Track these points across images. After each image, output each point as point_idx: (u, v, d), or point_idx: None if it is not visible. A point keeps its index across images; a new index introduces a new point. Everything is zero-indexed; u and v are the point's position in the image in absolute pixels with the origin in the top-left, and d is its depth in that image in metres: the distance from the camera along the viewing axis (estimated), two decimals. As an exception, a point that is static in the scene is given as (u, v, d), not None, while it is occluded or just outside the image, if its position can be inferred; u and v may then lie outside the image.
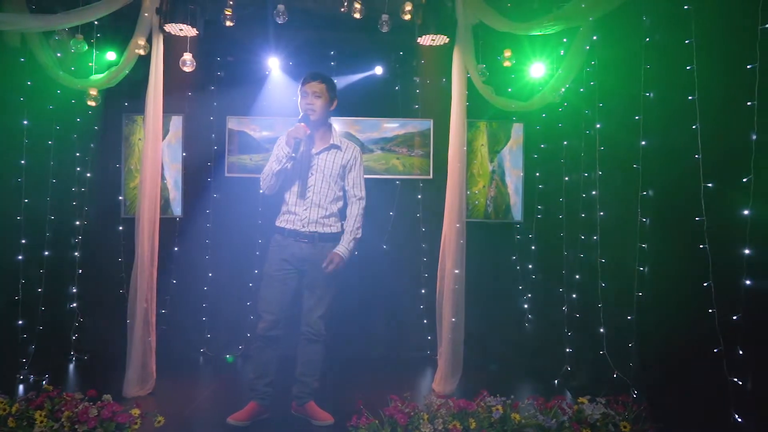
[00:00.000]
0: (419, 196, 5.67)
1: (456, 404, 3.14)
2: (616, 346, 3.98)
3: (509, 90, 5.27)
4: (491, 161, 5.69)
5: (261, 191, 3.79)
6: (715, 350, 2.85)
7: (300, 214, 3.69)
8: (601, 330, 4.03)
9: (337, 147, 3.78)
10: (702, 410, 3.03)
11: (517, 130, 5.69)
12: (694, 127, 3.04)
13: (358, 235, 3.78)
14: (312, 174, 3.72)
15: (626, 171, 3.84)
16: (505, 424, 3.04)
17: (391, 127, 5.64)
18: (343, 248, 3.72)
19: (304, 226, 3.68)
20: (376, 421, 3.09)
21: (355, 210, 3.80)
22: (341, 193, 3.82)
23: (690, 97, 3.05)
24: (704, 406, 3.00)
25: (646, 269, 3.62)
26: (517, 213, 5.69)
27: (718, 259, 2.92)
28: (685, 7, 3.11)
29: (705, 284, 2.94)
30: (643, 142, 3.63)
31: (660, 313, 3.47)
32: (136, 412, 3.08)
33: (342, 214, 3.82)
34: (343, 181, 3.81)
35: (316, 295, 3.74)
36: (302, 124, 3.60)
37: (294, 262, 3.69)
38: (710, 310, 2.91)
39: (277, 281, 3.68)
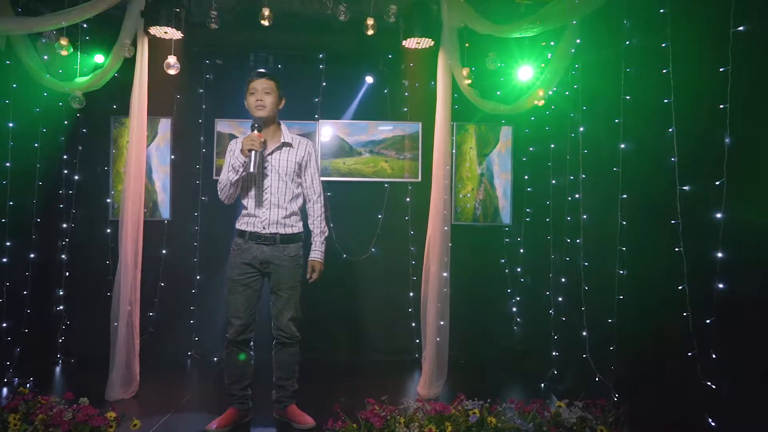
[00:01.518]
0: (408, 199, 5.67)
1: (433, 407, 3.13)
2: (598, 350, 3.97)
3: (498, 93, 5.26)
4: (480, 164, 5.69)
5: (221, 199, 3.76)
6: (689, 353, 2.84)
7: (260, 215, 3.66)
8: (584, 333, 4.01)
9: (289, 144, 3.74)
10: (678, 414, 3.02)
11: (505, 133, 5.69)
12: (670, 130, 3.03)
13: (326, 233, 3.82)
14: (267, 174, 3.67)
15: (608, 174, 3.83)
16: (481, 428, 3.04)
17: (380, 130, 5.64)
18: (318, 254, 3.76)
19: (265, 228, 3.64)
20: (354, 425, 3.08)
21: (317, 210, 3.81)
22: (299, 191, 3.78)
23: (666, 100, 3.04)
24: (679, 410, 2.99)
25: (625, 272, 3.61)
26: (505, 216, 5.69)
27: (693, 262, 2.91)
28: (662, 10, 3.10)
29: (680, 287, 2.92)
30: (623, 145, 3.62)
31: (639, 316, 3.46)
32: (111, 415, 3.07)
33: (302, 213, 3.81)
34: (300, 178, 3.79)
35: (282, 298, 3.69)
36: (257, 133, 3.54)
37: (257, 265, 3.66)
38: (685, 314, 2.90)
39: (241, 286, 3.66)
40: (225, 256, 5.41)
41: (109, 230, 5.41)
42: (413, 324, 5.57)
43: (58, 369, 5.12)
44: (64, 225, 5.28)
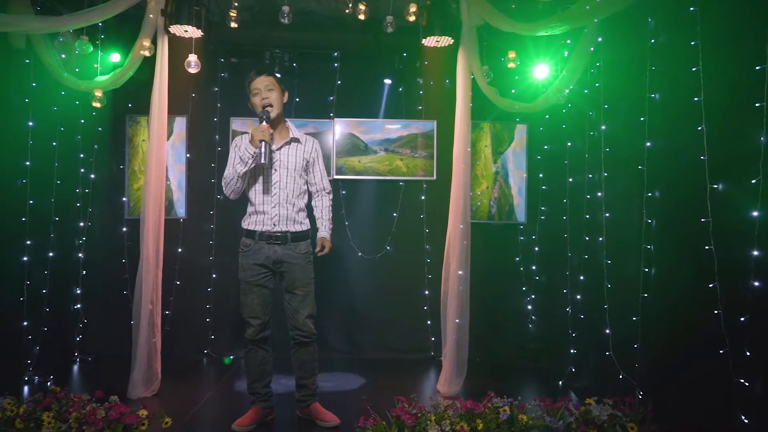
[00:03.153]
0: (423, 198, 5.68)
1: (463, 405, 3.14)
2: (621, 348, 3.97)
3: (512, 91, 5.28)
4: (495, 162, 5.70)
5: (226, 196, 3.74)
6: (721, 351, 2.85)
7: (269, 212, 3.63)
8: (607, 331, 4.02)
9: (297, 140, 3.75)
10: (707, 412, 3.02)
11: (520, 132, 5.70)
12: (699, 128, 3.04)
13: (332, 225, 3.89)
14: (275, 170, 3.65)
15: (631, 172, 3.83)
16: (512, 426, 3.04)
17: (395, 128, 5.64)
18: (326, 233, 3.80)
19: (275, 225, 3.62)
20: (383, 423, 3.09)
21: (326, 201, 3.85)
22: (305, 187, 3.79)
23: (696, 99, 3.05)
24: (709, 408, 3.00)
25: (651, 270, 3.61)
26: (520, 214, 5.69)
27: (725, 261, 2.91)
28: (691, 8, 3.11)
29: (710, 285, 2.93)
30: (648, 144, 3.63)
31: (665, 314, 3.47)
32: (143, 413, 3.08)
33: (308, 209, 3.81)
34: (307, 174, 3.80)
35: (298, 296, 3.68)
36: (266, 124, 3.53)
37: (269, 265, 3.65)
38: (716, 312, 2.90)
39: (255, 286, 3.65)
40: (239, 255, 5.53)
41: (125, 229, 5.42)
42: (428, 322, 5.58)
43: (75, 367, 5.12)
44: (81, 224, 5.28)
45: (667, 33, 3.52)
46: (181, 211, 5.53)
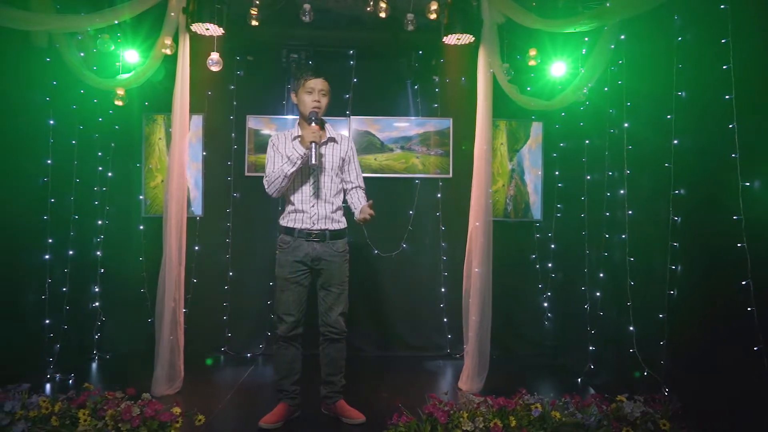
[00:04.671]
0: (439, 195, 5.69)
1: (495, 402, 3.15)
2: (644, 344, 3.98)
3: (528, 89, 5.27)
4: (510, 160, 5.71)
5: (269, 194, 3.70)
6: (755, 348, 2.86)
7: (309, 211, 3.68)
8: (631, 328, 4.03)
9: (334, 140, 3.80)
10: (738, 410, 3.03)
11: (536, 129, 5.71)
12: (731, 126, 3.05)
13: None
14: (314, 170, 3.71)
15: (656, 170, 3.84)
16: (544, 422, 3.06)
17: (411, 126, 5.64)
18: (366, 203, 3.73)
19: (314, 224, 3.67)
20: (415, 420, 3.10)
21: (361, 194, 3.88)
22: (341, 186, 3.83)
23: (727, 96, 3.06)
24: (740, 406, 3.01)
25: (678, 268, 3.63)
26: (536, 212, 5.71)
27: (757, 259, 2.92)
28: (722, 6, 3.11)
29: (743, 282, 2.94)
30: (675, 141, 3.64)
31: (694, 311, 3.48)
32: (177, 410, 3.08)
33: (344, 208, 3.85)
34: (343, 173, 3.84)
35: (333, 293, 3.72)
36: (315, 125, 3.59)
37: (308, 262, 3.68)
38: (749, 309, 2.91)
39: (292, 284, 3.67)
40: (257, 253, 5.56)
41: (142, 227, 5.42)
42: (445, 320, 5.60)
43: (94, 365, 5.12)
44: (99, 222, 5.28)
45: (694, 31, 3.53)
46: (197, 209, 5.53)
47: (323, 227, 3.68)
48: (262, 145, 5.51)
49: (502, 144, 5.70)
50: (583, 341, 4.89)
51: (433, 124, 5.65)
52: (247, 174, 5.54)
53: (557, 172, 5.65)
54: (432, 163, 5.64)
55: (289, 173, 3.59)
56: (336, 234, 3.73)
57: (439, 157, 5.64)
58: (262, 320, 5.52)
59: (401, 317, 5.66)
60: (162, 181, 5.46)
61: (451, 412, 3.08)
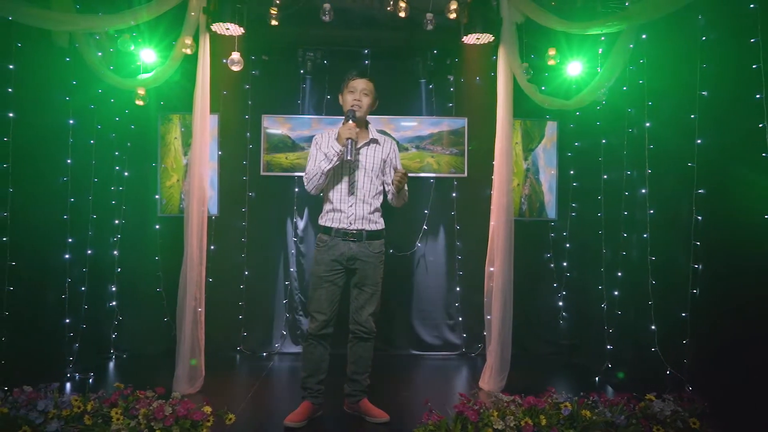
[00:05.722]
0: (454, 195, 5.69)
1: (525, 401, 3.16)
2: (666, 343, 3.99)
3: (543, 88, 5.26)
4: (525, 159, 5.72)
5: (308, 191, 3.75)
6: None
7: (346, 211, 3.71)
8: (653, 327, 4.04)
9: (376, 141, 3.82)
10: (764, 409, 3.04)
11: (551, 129, 5.72)
12: (760, 125, 3.06)
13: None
14: (354, 170, 3.74)
15: (678, 169, 3.85)
16: (574, 421, 3.07)
17: (426, 125, 5.65)
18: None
19: (351, 224, 3.69)
20: (445, 418, 3.11)
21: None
22: (382, 188, 3.85)
23: (757, 96, 3.07)
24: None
25: (700, 267, 3.64)
26: (551, 211, 5.72)
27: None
28: (751, 6, 3.12)
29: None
30: (699, 141, 3.65)
31: (719, 310, 3.49)
32: (207, 409, 3.09)
33: (383, 209, 3.86)
34: (384, 175, 3.85)
35: (366, 293, 3.75)
36: (352, 122, 3.62)
37: (344, 261, 3.71)
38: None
39: (326, 282, 3.69)
40: (272, 252, 5.56)
41: (158, 226, 5.42)
42: (460, 318, 5.61)
43: (111, 364, 5.13)
44: (116, 221, 5.28)
45: (719, 30, 3.54)
46: (213, 208, 5.52)
47: (360, 227, 3.70)
48: (277, 145, 5.51)
49: (516, 143, 5.71)
50: (600, 340, 4.91)
51: (447, 124, 5.66)
52: (262, 173, 5.54)
53: (572, 172, 5.66)
54: (447, 162, 5.65)
55: (325, 170, 3.61)
56: (373, 234, 3.75)
57: (454, 157, 5.65)
58: (278, 320, 5.54)
59: (416, 316, 5.67)
60: (177, 180, 5.47)
61: (481, 410, 3.09)
